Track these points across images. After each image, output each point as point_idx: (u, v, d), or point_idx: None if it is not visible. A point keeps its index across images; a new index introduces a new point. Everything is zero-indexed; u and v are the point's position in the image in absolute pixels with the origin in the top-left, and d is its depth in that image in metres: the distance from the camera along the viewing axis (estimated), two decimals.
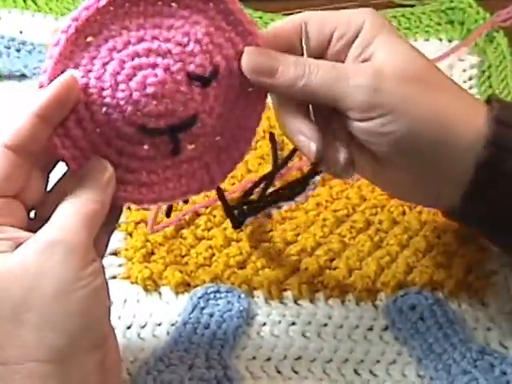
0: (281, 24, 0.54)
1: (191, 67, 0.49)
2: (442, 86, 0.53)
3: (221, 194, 0.59)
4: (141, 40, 0.49)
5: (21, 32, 0.79)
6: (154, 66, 0.49)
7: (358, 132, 0.52)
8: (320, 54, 0.53)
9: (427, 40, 0.80)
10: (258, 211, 0.63)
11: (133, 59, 0.49)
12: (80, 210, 0.47)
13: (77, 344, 0.45)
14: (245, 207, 0.63)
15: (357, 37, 0.52)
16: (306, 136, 0.52)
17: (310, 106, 0.52)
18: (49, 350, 0.44)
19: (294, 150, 0.63)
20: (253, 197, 0.64)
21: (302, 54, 0.53)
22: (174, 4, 0.49)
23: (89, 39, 0.48)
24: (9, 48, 0.76)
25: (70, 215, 0.47)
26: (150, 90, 0.48)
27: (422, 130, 0.51)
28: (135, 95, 0.48)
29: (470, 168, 0.52)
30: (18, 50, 0.75)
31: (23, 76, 0.74)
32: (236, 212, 0.62)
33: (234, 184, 0.67)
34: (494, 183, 0.52)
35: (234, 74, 0.51)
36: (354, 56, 0.53)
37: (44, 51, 0.74)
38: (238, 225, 0.63)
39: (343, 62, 0.53)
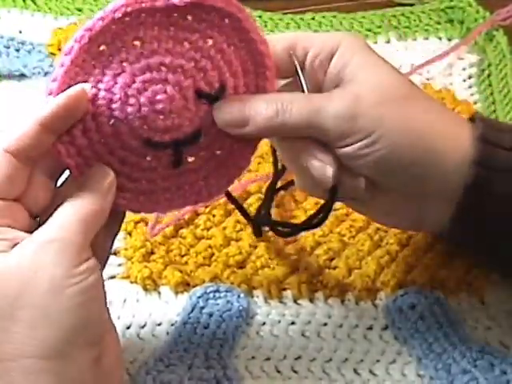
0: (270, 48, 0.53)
1: (201, 84, 0.49)
2: (423, 105, 0.52)
3: (241, 208, 0.61)
4: (154, 53, 0.48)
5: (20, 32, 0.79)
6: (165, 81, 0.49)
7: (343, 158, 0.51)
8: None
9: (427, 39, 0.80)
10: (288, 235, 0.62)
11: (144, 73, 0.48)
12: (78, 210, 0.47)
13: (71, 340, 0.45)
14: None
15: (332, 57, 0.52)
16: (320, 161, 0.51)
17: None
18: (43, 346, 0.44)
19: None
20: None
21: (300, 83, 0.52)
22: (189, 17, 0.49)
23: (102, 48, 0.48)
24: (8, 48, 0.76)
25: (68, 215, 0.47)
26: (158, 106, 0.49)
27: (405, 148, 0.50)
28: (144, 110, 0.48)
29: (456, 188, 0.52)
30: (18, 50, 0.76)
31: (22, 76, 0.74)
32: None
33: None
34: (482, 204, 0.52)
35: (239, 91, 0.51)
36: (330, 77, 0.52)
37: (43, 51, 0.74)
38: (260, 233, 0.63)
39: (321, 81, 0.53)
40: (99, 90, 0.48)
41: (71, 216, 0.47)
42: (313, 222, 0.55)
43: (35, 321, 0.44)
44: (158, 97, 0.48)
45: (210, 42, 0.49)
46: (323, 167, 0.51)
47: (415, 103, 0.52)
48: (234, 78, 0.50)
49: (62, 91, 0.47)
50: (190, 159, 0.52)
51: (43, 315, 0.44)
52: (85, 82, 0.48)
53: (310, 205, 0.66)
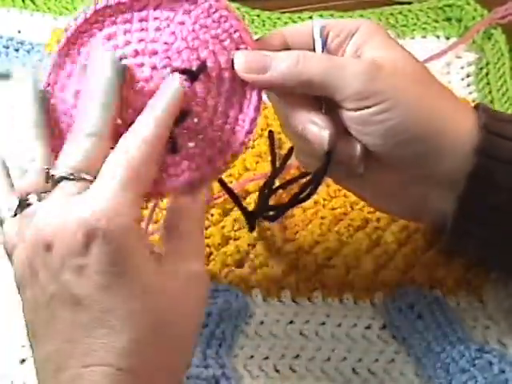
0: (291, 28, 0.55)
1: (177, 63, 0.50)
2: (436, 88, 0.53)
3: (236, 198, 0.61)
4: (127, 43, 0.51)
5: (19, 31, 0.79)
6: (141, 65, 0.50)
7: (352, 123, 0.52)
8: None
9: (424, 37, 0.80)
10: (275, 217, 0.63)
11: (120, 60, 0.50)
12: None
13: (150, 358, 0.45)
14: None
15: (352, 37, 0.53)
16: (317, 125, 0.51)
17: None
18: (120, 354, 0.44)
19: (292, 149, 0.62)
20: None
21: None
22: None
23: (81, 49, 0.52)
24: (7, 47, 0.76)
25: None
26: (137, 86, 0.50)
27: (416, 123, 0.51)
28: (124, 93, 0.49)
29: (460, 177, 0.52)
30: (17, 50, 0.76)
31: None
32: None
33: (231, 182, 0.67)
34: (484, 194, 0.52)
35: (225, 68, 0.51)
36: (349, 53, 0.53)
37: (42, 51, 0.74)
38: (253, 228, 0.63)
39: None
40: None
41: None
42: (301, 197, 0.55)
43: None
44: (136, 78, 0.50)
45: (183, 26, 0.51)
46: (319, 130, 0.51)
47: (429, 85, 0.53)
48: (214, 56, 0.51)
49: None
50: (191, 144, 0.51)
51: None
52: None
53: (310, 203, 0.66)
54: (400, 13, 0.82)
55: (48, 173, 0.48)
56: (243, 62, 0.51)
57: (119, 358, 0.44)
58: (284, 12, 0.82)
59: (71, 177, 0.47)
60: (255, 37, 0.53)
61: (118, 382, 0.44)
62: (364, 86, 0.50)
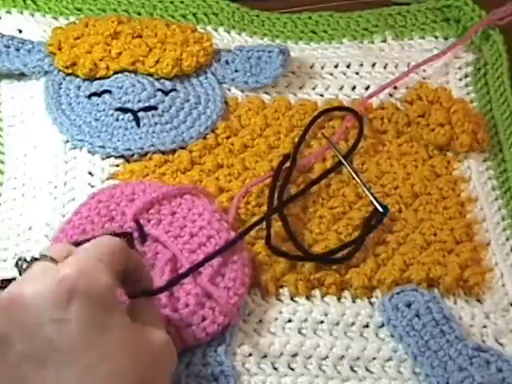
0: None
1: None
2: None
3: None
4: None
5: (20, 31, 0.79)
6: None
7: None
8: None
9: (423, 38, 0.80)
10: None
11: None
12: None
13: None
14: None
15: None
16: None
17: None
18: None
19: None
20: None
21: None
22: None
23: None
24: (8, 47, 0.75)
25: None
26: None
27: None
28: None
29: None
30: (18, 49, 0.75)
31: (22, 75, 0.74)
32: None
33: (231, 181, 0.67)
34: None
35: None
36: None
37: (43, 50, 0.75)
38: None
39: None
40: None
41: None
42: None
43: None
44: None
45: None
46: None
47: None
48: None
49: None
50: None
51: None
52: None
53: (309, 203, 0.66)
54: (398, 13, 0.82)
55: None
56: None
57: None
58: (283, 12, 0.82)
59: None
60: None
61: None
62: None
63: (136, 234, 0.60)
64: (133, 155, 0.68)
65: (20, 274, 0.49)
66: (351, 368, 0.58)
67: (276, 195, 0.65)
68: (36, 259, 0.49)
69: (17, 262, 0.49)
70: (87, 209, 0.62)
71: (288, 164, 0.67)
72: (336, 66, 0.77)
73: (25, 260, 0.49)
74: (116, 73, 0.72)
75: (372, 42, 0.80)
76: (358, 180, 0.67)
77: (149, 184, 0.64)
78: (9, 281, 0.48)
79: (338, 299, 0.61)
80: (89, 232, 0.60)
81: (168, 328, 0.54)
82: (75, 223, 0.61)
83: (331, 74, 0.76)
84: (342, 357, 0.58)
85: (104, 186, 0.65)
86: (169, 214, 0.62)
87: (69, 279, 0.46)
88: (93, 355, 0.45)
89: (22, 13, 0.81)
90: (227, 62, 0.75)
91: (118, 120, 0.70)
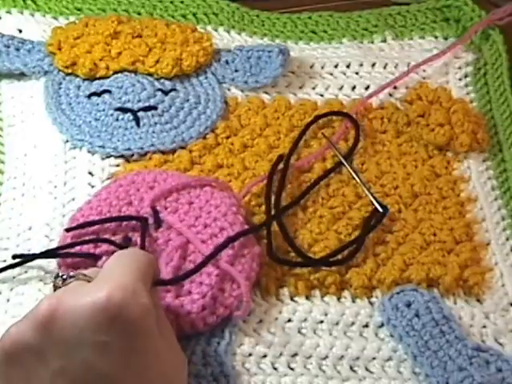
0: None
1: None
2: None
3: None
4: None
5: (20, 31, 0.79)
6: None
7: None
8: None
9: (423, 38, 0.80)
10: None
11: None
12: None
13: None
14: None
15: None
16: None
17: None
18: None
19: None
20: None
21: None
22: None
23: None
24: (8, 47, 0.75)
25: None
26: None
27: None
28: None
29: None
30: (18, 49, 0.75)
31: (22, 75, 0.75)
32: None
33: (230, 181, 0.67)
34: None
35: None
36: None
37: (43, 50, 0.75)
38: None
39: None
40: None
41: None
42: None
43: None
44: None
45: None
46: None
47: None
48: None
49: None
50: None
51: None
52: None
53: (309, 202, 0.66)
54: (398, 13, 0.82)
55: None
56: None
57: None
58: (283, 12, 0.82)
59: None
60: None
61: None
62: None
63: (151, 221, 0.61)
64: (133, 155, 0.68)
65: (54, 291, 0.50)
66: (351, 368, 0.58)
67: (273, 198, 0.65)
68: (72, 277, 0.50)
69: (54, 279, 0.51)
70: (107, 192, 0.63)
71: (282, 166, 0.67)
72: (336, 66, 0.77)
73: (61, 277, 0.50)
74: (116, 73, 0.73)
75: (372, 42, 0.80)
76: (358, 180, 0.67)
77: (171, 173, 0.65)
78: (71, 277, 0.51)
79: (338, 299, 0.61)
80: (105, 214, 0.61)
81: (166, 313, 0.54)
82: (93, 204, 0.62)
83: (331, 74, 0.76)
84: (342, 357, 0.58)
85: (104, 185, 0.65)
86: (186, 204, 0.62)
87: (113, 303, 0.46)
88: (131, 376, 0.46)
89: (22, 13, 0.81)
90: (227, 62, 0.75)
91: (117, 120, 0.70)
